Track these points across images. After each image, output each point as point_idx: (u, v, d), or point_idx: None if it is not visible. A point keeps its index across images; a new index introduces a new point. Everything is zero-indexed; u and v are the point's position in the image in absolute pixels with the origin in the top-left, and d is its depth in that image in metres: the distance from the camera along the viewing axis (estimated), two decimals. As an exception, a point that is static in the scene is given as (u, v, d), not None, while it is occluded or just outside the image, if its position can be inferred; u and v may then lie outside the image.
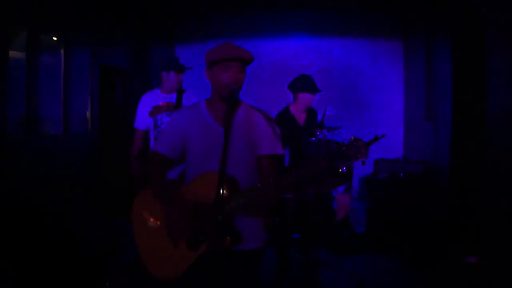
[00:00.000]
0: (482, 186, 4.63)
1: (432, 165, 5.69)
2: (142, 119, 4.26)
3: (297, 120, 4.79)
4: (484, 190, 4.59)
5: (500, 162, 4.26)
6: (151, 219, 2.39)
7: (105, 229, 5.24)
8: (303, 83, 4.70)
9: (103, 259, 4.58)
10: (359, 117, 7.43)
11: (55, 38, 5.45)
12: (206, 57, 2.33)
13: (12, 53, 4.74)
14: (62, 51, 5.48)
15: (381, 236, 5.31)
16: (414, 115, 6.90)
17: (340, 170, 4.25)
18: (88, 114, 5.86)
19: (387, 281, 4.57)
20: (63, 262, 4.30)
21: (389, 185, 5.67)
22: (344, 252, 5.28)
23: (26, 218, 4.40)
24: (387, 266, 4.89)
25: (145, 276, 2.42)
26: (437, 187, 5.47)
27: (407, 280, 4.55)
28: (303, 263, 4.72)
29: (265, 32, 7.53)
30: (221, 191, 2.02)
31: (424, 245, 4.94)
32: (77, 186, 5.35)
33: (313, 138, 4.76)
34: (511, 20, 4.02)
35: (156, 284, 2.39)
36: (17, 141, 4.70)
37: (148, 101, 4.24)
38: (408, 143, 7.19)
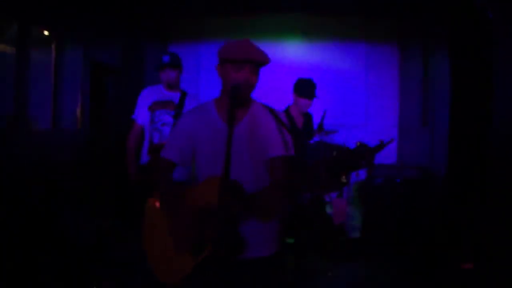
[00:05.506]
0: (479, 191, 4.60)
1: (428, 171, 5.63)
2: (141, 112, 4.12)
3: (296, 122, 4.70)
4: (481, 196, 4.55)
5: (497, 167, 4.23)
6: (158, 225, 2.37)
7: (93, 230, 5.08)
8: (302, 88, 4.61)
9: (90, 261, 4.42)
10: (352, 122, 7.36)
11: (46, 33, 5.29)
12: (220, 52, 2.23)
13: (1, 47, 4.58)
14: (53, 46, 5.33)
15: (377, 241, 5.23)
16: (409, 121, 6.86)
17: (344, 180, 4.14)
18: (78, 111, 5.71)
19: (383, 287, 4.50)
20: (49, 263, 4.16)
21: (385, 191, 5.59)
22: (339, 258, 5.18)
23: (14, 216, 4.24)
24: (383, 272, 4.81)
25: (133, 280, 2.39)
26: (434, 193, 5.41)
27: (403, 286, 4.47)
28: (298, 270, 4.61)
29: (258, 34, 7.42)
30: (222, 196, 1.92)
31: (420, 250, 4.88)
32: (66, 182, 5.18)
33: (311, 141, 4.69)
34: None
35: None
36: (4, 138, 4.53)
37: (150, 95, 4.10)
38: (402, 148, 7.14)
